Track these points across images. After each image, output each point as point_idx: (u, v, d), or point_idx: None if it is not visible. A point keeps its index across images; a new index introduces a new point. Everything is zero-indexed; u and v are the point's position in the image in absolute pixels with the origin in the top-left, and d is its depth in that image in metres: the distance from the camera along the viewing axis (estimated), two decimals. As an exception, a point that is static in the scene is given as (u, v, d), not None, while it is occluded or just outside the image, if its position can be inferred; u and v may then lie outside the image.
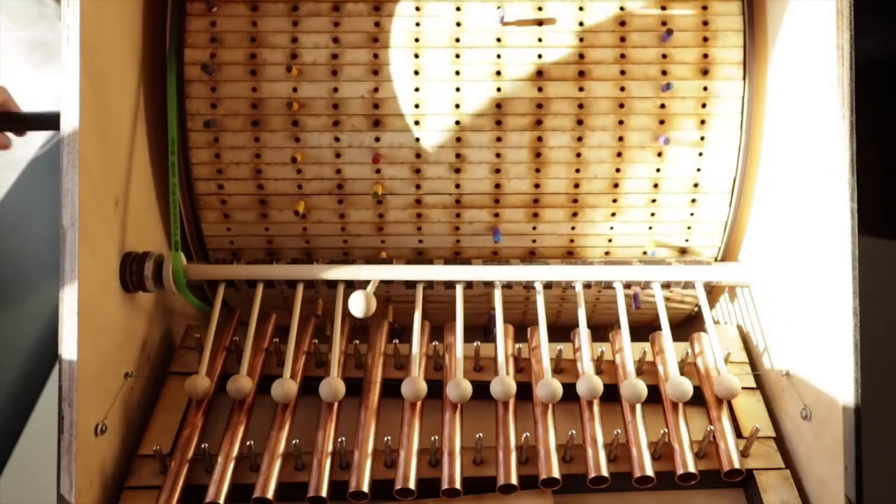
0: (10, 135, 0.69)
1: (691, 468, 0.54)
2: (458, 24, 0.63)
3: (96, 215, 0.53)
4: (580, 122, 0.64)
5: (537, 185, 0.65)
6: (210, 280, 0.65)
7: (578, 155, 0.64)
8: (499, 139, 0.64)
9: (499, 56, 0.63)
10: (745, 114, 0.64)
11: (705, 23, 0.64)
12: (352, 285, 0.64)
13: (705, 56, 0.64)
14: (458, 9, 0.63)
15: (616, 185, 0.65)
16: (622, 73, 0.63)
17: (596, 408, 0.57)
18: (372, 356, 0.62)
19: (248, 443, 0.55)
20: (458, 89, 0.63)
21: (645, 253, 0.68)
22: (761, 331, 0.64)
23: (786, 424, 0.59)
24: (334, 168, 0.65)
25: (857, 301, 0.51)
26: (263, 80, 0.63)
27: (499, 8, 0.63)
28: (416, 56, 0.63)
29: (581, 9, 0.63)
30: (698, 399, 0.60)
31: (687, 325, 0.76)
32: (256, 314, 0.62)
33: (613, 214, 0.67)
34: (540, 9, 0.63)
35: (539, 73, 0.63)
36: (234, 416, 0.58)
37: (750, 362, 0.64)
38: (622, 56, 0.63)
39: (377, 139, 0.64)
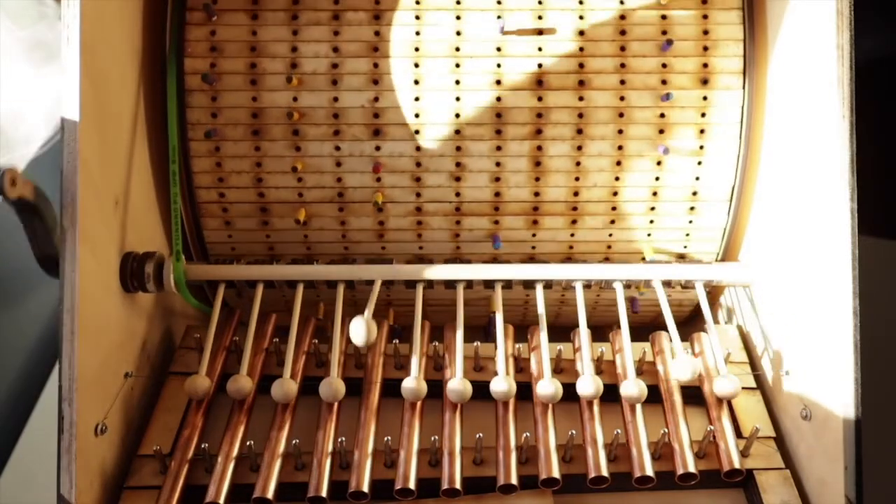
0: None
1: (691, 468, 0.54)
2: (458, 34, 0.63)
3: (96, 215, 0.54)
4: (580, 132, 0.64)
5: (537, 194, 0.65)
6: (210, 280, 0.65)
7: (578, 164, 0.64)
8: (499, 148, 0.64)
9: (499, 65, 0.63)
10: (745, 123, 0.64)
11: (706, 32, 0.63)
12: (352, 285, 0.64)
13: (705, 65, 0.63)
14: (458, 17, 0.63)
15: (615, 194, 0.66)
16: (622, 82, 0.63)
17: (596, 408, 0.57)
18: (372, 356, 0.62)
19: (248, 443, 0.55)
20: (458, 98, 0.63)
21: (643, 259, 0.68)
22: (761, 331, 0.64)
23: (786, 424, 0.59)
24: (335, 177, 0.65)
25: (857, 301, 0.51)
26: (264, 89, 0.63)
27: (499, 17, 0.63)
28: (416, 65, 0.63)
29: (581, 18, 0.63)
30: (698, 399, 0.60)
31: (687, 325, 0.76)
32: (256, 314, 0.62)
33: (612, 222, 0.67)
34: (540, 17, 0.63)
35: (539, 83, 0.63)
36: (234, 416, 0.58)
37: (750, 362, 0.64)
38: (622, 65, 0.63)
39: (377, 148, 0.64)
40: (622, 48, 0.63)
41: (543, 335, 0.60)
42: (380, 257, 0.68)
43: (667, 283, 0.64)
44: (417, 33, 0.63)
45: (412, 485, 0.53)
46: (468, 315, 0.64)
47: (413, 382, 0.57)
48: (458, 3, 0.63)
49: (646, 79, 0.63)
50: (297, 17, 0.63)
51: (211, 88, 0.63)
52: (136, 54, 0.61)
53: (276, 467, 0.54)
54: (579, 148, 0.64)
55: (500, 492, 0.54)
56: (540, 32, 0.63)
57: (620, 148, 0.64)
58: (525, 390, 0.59)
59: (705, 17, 0.64)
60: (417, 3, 0.63)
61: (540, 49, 0.63)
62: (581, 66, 0.63)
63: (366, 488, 0.53)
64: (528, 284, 0.65)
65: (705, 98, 0.64)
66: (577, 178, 0.65)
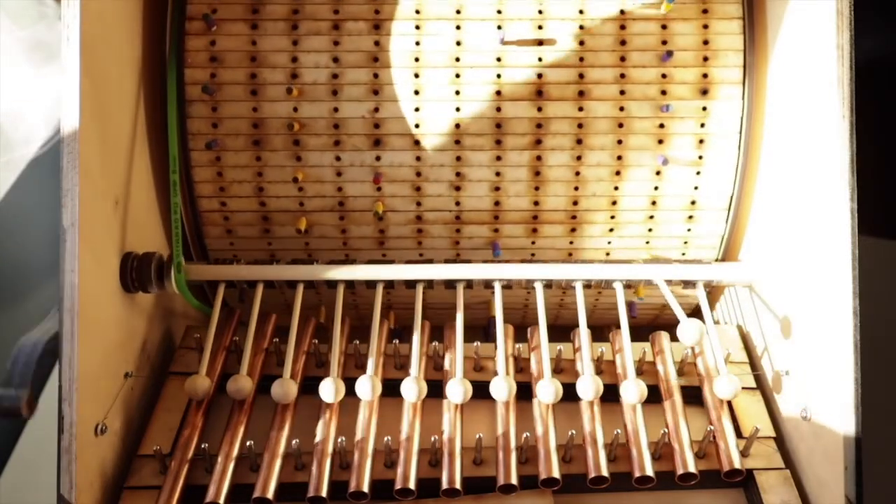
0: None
1: (691, 468, 0.54)
2: (459, 44, 0.63)
3: (96, 215, 0.54)
4: (579, 142, 0.64)
5: (536, 203, 0.66)
6: (210, 280, 0.65)
7: (577, 173, 0.65)
8: (498, 158, 0.64)
9: (499, 76, 0.63)
10: (744, 132, 0.64)
11: (706, 42, 0.63)
12: (352, 285, 0.64)
13: (705, 76, 0.63)
14: (458, 28, 0.63)
15: (614, 203, 0.66)
16: (622, 92, 0.63)
17: (596, 408, 0.57)
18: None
19: (248, 443, 0.55)
20: (458, 108, 0.63)
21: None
22: (761, 331, 0.64)
23: (786, 424, 0.59)
24: (335, 186, 0.65)
25: (857, 301, 0.51)
26: (264, 99, 0.63)
27: (499, 27, 0.63)
28: (417, 76, 0.63)
29: (581, 28, 0.63)
30: (698, 399, 0.60)
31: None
32: (256, 314, 0.62)
33: (611, 230, 0.67)
34: (540, 28, 0.63)
35: (539, 93, 0.63)
36: (234, 416, 0.58)
37: (750, 362, 0.64)
38: (622, 76, 0.63)
39: (378, 158, 0.64)
40: (622, 58, 0.63)
41: (544, 335, 0.60)
42: (380, 264, 0.67)
43: (667, 283, 0.64)
44: (417, 43, 0.63)
45: (412, 485, 0.53)
46: (468, 316, 0.64)
47: (413, 382, 0.57)
48: (459, 13, 0.63)
49: (645, 89, 0.63)
50: (297, 27, 0.63)
51: (211, 99, 0.63)
52: (137, 58, 0.61)
53: (276, 467, 0.54)
54: (579, 158, 0.64)
55: (500, 492, 0.54)
56: (540, 43, 0.63)
57: (620, 158, 0.64)
58: (525, 390, 0.59)
59: (705, 26, 0.63)
60: (417, 12, 0.63)
61: (540, 59, 0.63)
62: (581, 76, 0.63)
63: (366, 488, 0.53)
64: (528, 284, 0.65)
65: (705, 108, 0.64)
66: (576, 188, 0.65)
